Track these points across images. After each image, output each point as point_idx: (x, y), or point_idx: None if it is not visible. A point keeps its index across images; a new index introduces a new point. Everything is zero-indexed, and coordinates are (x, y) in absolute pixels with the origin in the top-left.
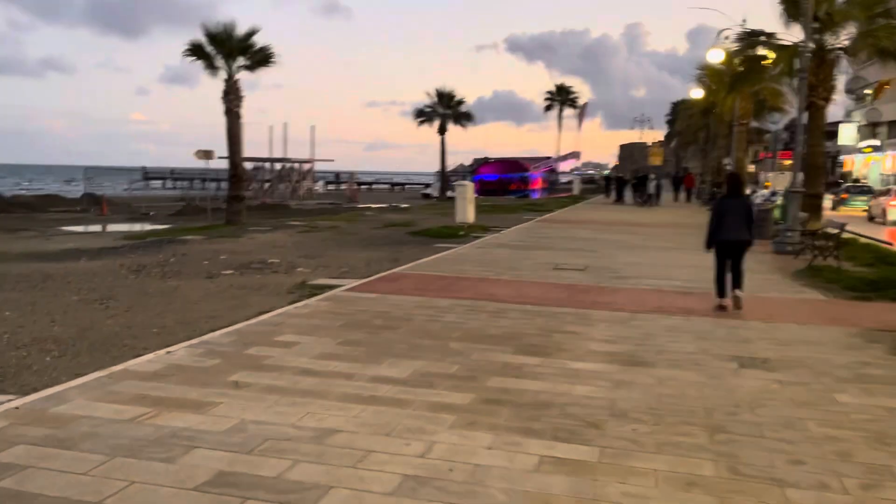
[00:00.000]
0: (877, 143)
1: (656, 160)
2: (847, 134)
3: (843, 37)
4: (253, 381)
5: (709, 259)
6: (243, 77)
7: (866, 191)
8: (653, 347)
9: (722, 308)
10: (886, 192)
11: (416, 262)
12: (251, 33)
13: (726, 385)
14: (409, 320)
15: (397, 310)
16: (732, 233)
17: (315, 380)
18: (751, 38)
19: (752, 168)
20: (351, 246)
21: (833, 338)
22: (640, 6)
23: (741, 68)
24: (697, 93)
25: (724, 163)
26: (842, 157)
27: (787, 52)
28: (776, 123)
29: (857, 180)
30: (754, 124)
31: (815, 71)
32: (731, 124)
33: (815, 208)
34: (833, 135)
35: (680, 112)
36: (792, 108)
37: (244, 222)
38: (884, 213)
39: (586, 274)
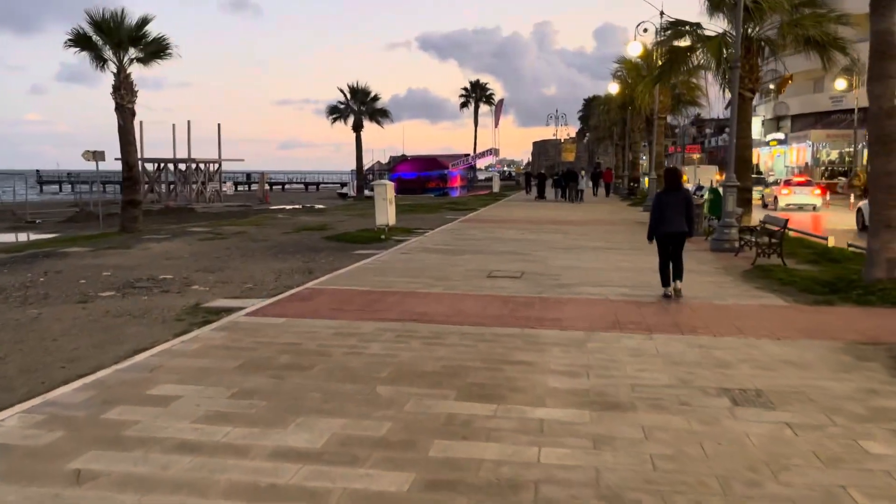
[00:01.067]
0: (781, 136)
1: (569, 156)
2: (754, 128)
3: (768, 27)
4: (104, 469)
5: (646, 261)
6: (144, 73)
7: (761, 181)
8: (622, 380)
9: (667, 297)
10: (777, 183)
11: (334, 274)
12: (144, 22)
13: (729, 434)
14: (325, 355)
15: (310, 340)
16: (673, 225)
17: (195, 460)
18: (677, 28)
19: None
20: (258, 255)
21: (819, 356)
22: (549, 5)
23: (665, 59)
24: (614, 88)
25: (639, 157)
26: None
27: (715, 42)
28: (705, 110)
29: (760, 172)
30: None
31: (742, 62)
32: (649, 118)
33: (744, 202)
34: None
35: (594, 108)
36: (707, 103)
37: (140, 229)
38: (775, 200)
39: (524, 282)
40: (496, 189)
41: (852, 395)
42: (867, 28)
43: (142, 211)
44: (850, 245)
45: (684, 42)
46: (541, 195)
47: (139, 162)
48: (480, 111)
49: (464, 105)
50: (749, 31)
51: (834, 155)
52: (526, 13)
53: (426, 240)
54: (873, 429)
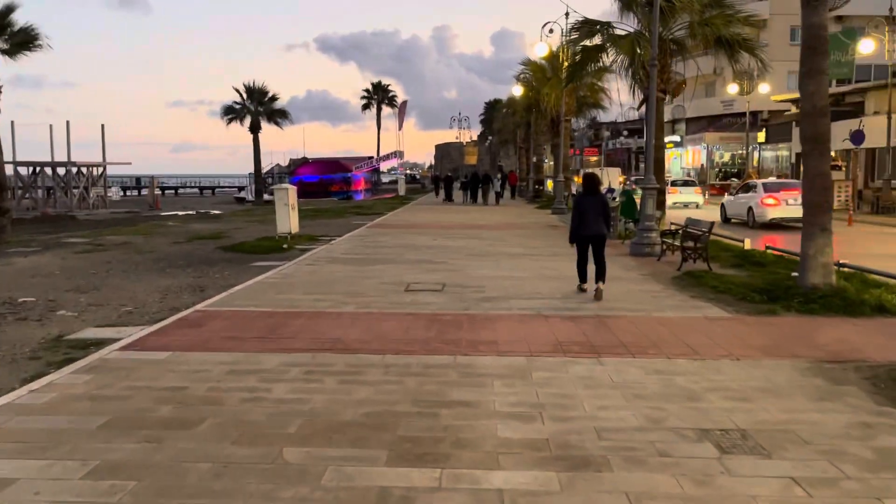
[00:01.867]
0: (677, 138)
1: (472, 159)
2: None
3: (678, 26)
4: None
5: (569, 268)
6: (19, 70)
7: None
8: (584, 423)
9: (583, 290)
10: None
11: (230, 292)
12: (8, 9)
13: (732, 501)
14: (217, 403)
15: (200, 382)
16: (593, 228)
17: None
18: (588, 28)
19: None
20: (142, 270)
21: (790, 380)
22: (447, 10)
23: (577, 58)
24: (518, 90)
25: (543, 160)
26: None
27: (629, 41)
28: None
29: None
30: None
31: (649, 63)
32: (554, 120)
33: (659, 205)
34: (639, 132)
35: (496, 111)
36: (609, 106)
37: (8, 240)
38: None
39: (447, 296)
40: (402, 192)
41: (848, 431)
42: (768, 31)
43: (10, 219)
44: (768, 248)
45: (595, 41)
46: (448, 198)
47: (9, 166)
48: (383, 113)
49: (366, 107)
50: (661, 31)
51: (727, 157)
52: (424, 17)
53: (333, 248)
54: (893, 481)
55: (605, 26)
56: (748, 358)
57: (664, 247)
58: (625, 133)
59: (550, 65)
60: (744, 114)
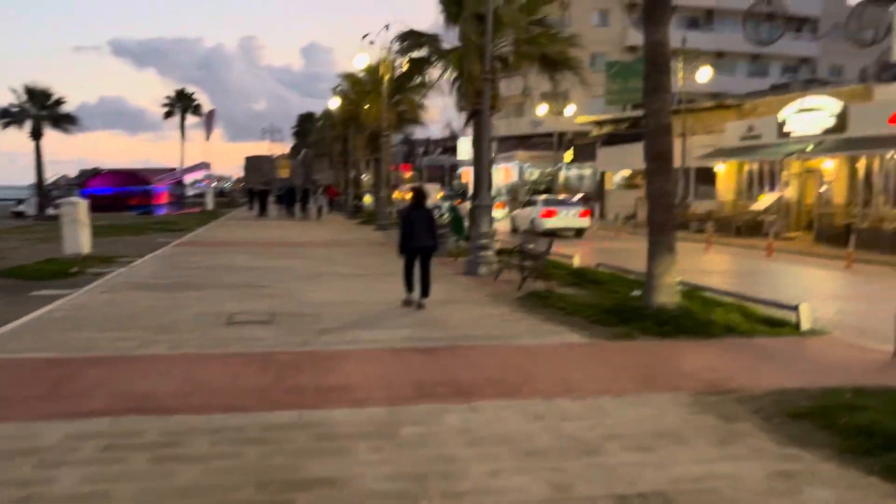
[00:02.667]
0: (491, 156)
1: (285, 172)
2: (464, 148)
3: (504, 42)
4: None
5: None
6: None
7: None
8: (481, 499)
9: (409, 303)
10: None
11: (0, 332)
12: None
13: None
14: None
15: None
16: (421, 240)
17: None
18: (415, 39)
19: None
20: None
21: (682, 420)
22: (253, 20)
23: (402, 71)
24: (335, 103)
25: (362, 175)
26: (460, 170)
27: (457, 55)
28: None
29: (463, 191)
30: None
31: (481, 77)
32: (373, 134)
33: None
34: (453, 149)
35: (311, 124)
36: (431, 121)
37: None
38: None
39: (279, 328)
40: (211, 206)
41: (771, 485)
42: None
43: None
44: (598, 264)
45: (421, 53)
46: (262, 212)
47: None
48: (188, 123)
49: (168, 115)
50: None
51: (536, 175)
52: (229, 26)
53: (134, 272)
54: None
55: (431, 39)
56: (627, 393)
57: (501, 265)
58: (439, 150)
59: (370, 78)
60: (551, 134)
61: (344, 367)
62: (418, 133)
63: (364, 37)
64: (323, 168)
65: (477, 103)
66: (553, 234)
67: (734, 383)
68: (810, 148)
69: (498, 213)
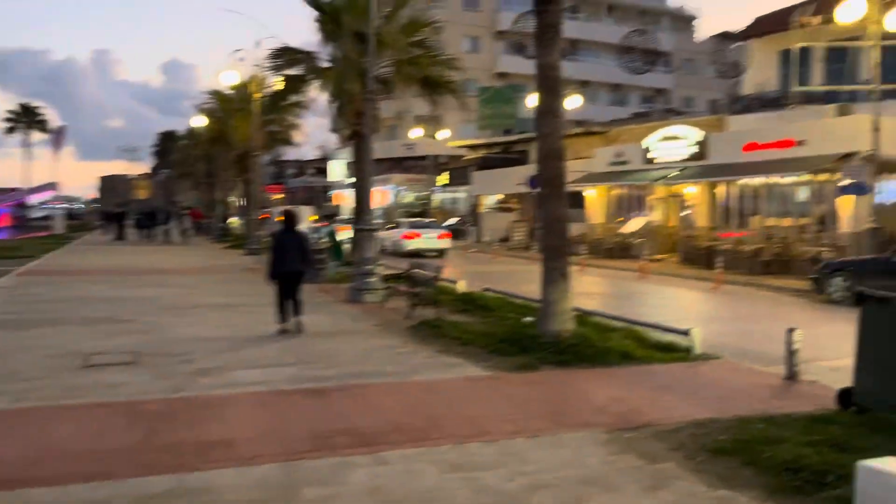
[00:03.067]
0: (372, 178)
1: (143, 193)
2: (336, 170)
3: (384, 63)
4: None
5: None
6: None
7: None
8: None
9: (285, 332)
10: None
11: None
12: None
13: None
14: None
15: None
16: (292, 265)
17: None
18: (291, 56)
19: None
20: None
21: (606, 463)
22: (107, 34)
23: (276, 89)
24: (201, 121)
25: (229, 197)
26: (332, 192)
27: (336, 73)
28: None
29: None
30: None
31: (358, 98)
32: (242, 154)
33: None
34: (324, 171)
35: (174, 143)
36: (301, 141)
37: None
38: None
39: (146, 371)
40: (60, 230)
41: None
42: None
43: None
44: (485, 289)
45: (298, 71)
46: (120, 236)
47: None
48: (33, 140)
49: (11, 130)
50: (366, 66)
51: (411, 197)
52: (80, 39)
53: None
54: None
55: (308, 56)
56: (541, 432)
57: (388, 292)
58: (310, 171)
59: (240, 95)
60: (425, 157)
61: (226, 415)
62: (289, 154)
63: (234, 52)
64: (186, 189)
65: (357, 124)
66: (415, 255)
67: (646, 416)
68: (674, 174)
69: (348, 233)
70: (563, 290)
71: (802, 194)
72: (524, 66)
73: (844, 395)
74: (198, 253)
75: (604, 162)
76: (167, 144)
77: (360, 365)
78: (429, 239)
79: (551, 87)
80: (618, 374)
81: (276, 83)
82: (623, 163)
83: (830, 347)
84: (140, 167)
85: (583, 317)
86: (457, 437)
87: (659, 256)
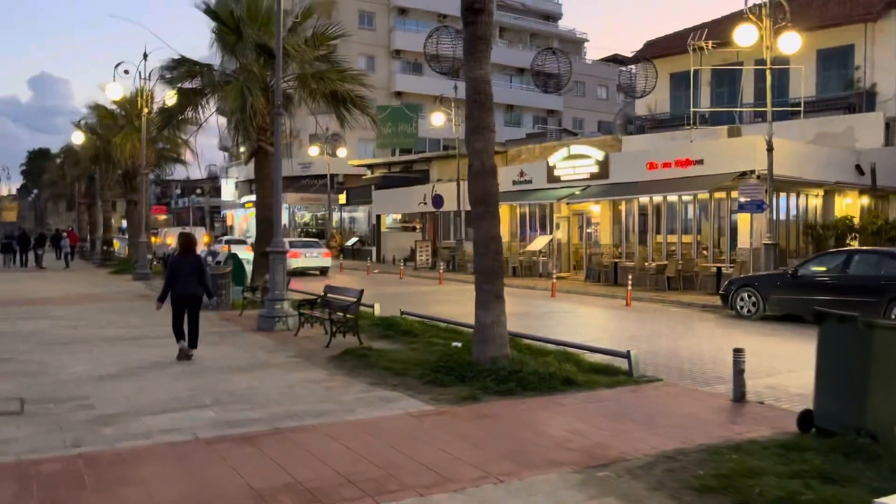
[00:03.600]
0: (254, 198)
1: (10, 215)
2: (228, 189)
3: (289, 76)
4: None
5: (206, 364)
6: None
7: (243, 242)
8: None
9: (183, 352)
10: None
11: None
12: None
13: None
14: None
15: None
16: (187, 288)
17: None
18: (188, 68)
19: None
20: None
21: None
22: None
23: (170, 103)
24: (80, 138)
25: (111, 219)
26: (224, 212)
27: (237, 88)
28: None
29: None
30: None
31: (263, 113)
32: (128, 173)
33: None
34: (214, 190)
35: (46, 161)
36: (193, 160)
37: None
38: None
39: (34, 422)
40: None
41: None
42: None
43: None
44: (403, 312)
45: (194, 84)
46: None
47: None
48: None
49: None
50: (269, 79)
51: (308, 217)
52: None
53: None
54: None
55: (206, 68)
56: (509, 477)
57: (302, 319)
58: (198, 191)
59: (124, 111)
60: (321, 176)
61: (140, 475)
62: (175, 173)
63: (118, 65)
64: (59, 211)
65: (261, 140)
66: (299, 273)
67: (612, 451)
68: (578, 192)
69: (249, 255)
70: (499, 313)
71: (702, 211)
72: (420, 86)
73: (805, 418)
74: (80, 279)
75: (507, 180)
76: (39, 163)
77: (288, 404)
78: (309, 258)
79: (481, 101)
80: (566, 403)
81: (169, 97)
82: (527, 181)
83: (758, 364)
84: (7, 188)
85: (515, 340)
86: (418, 487)
87: (564, 274)
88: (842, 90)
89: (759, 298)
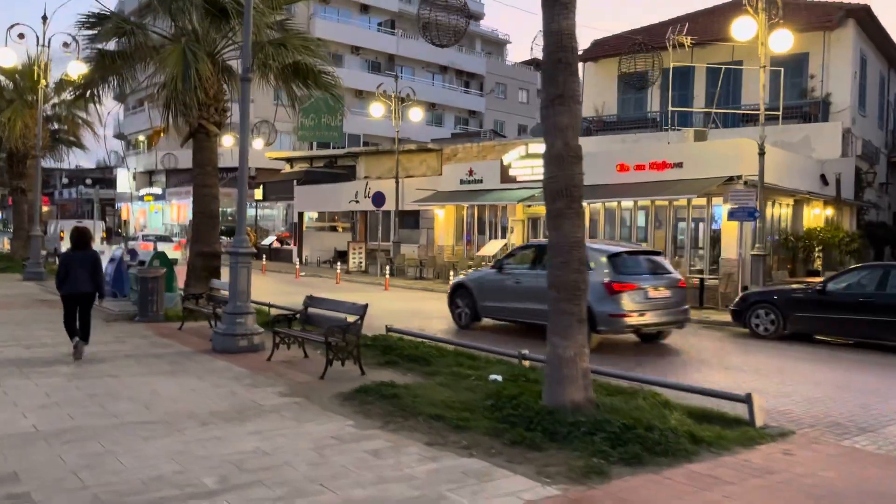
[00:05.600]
0: (158, 191)
1: None
2: (124, 182)
3: (233, 45)
4: None
5: (177, 407)
6: None
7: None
8: None
9: (76, 350)
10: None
11: None
12: None
13: None
14: None
15: None
16: (79, 286)
17: None
18: (114, 26)
19: None
20: None
21: None
22: None
23: (91, 67)
24: None
25: None
26: (119, 205)
27: (177, 52)
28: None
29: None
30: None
31: (205, 88)
32: (14, 155)
33: (213, 272)
34: (105, 181)
35: None
36: (91, 145)
37: None
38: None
39: None
40: None
41: None
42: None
43: None
44: (390, 329)
45: (116, 46)
46: None
47: None
48: None
49: None
50: (217, 44)
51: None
52: None
53: None
54: None
55: (139, 27)
56: None
57: (280, 339)
58: (88, 181)
59: (14, 82)
60: (233, 169)
61: None
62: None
63: (11, 27)
64: None
65: (203, 118)
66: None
67: None
68: (537, 194)
69: (174, 254)
70: (582, 343)
71: (677, 218)
72: (342, 78)
73: None
74: None
75: (454, 180)
76: None
77: (334, 487)
78: (164, 249)
79: (568, 63)
80: (724, 477)
81: (73, 68)
82: (476, 181)
83: (850, 400)
84: None
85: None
86: None
87: None
88: (796, 98)
89: (779, 316)
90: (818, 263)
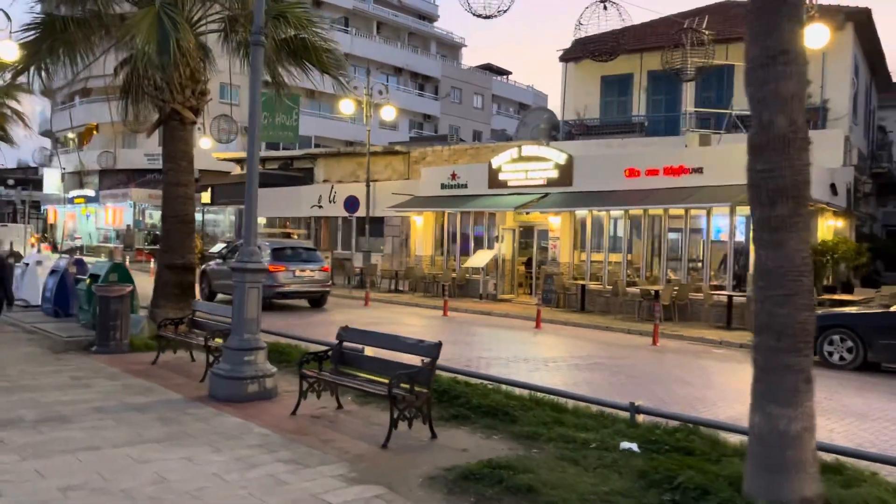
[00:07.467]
0: (91, 192)
1: None
2: (52, 184)
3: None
4: None
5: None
6: None
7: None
8: None
9: None
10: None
11: None
12: None
13: None
14: None
15: None
16: None
17: None
18: None
19: None
20: None
21: None
22: None
23: (33, 35)
24: None
25: None
26: (45, 207)
27: (150, 15)
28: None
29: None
30: None
31: (178, 68)
32: None
33: (187, 289)
34: (30, 182)
35: None
36: (29, 138)
37: None
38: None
39: None
40: None
41: None
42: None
43: None
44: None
45: (74, 13)
46: None
47: None
48: None
49: None
50: (195, 16)
51: (158, 217)
52: None
53: None
54: None
55: None
56: None
57: (311, 383)
58: (10, 181)
59: None
60: (158, 170)
61: None
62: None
63: None
64: None
65: (177, 102)
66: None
67: None
68: (537, 200)
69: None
70: (810, 413)
71: (692, 229)
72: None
73: None
74: None
75: (434, 184)
76: None
77: None
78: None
79: (789, 13)
80: None
81: (9, 46)
82: (460, 185)
83: None
84: None
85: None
86: None
87: (507, 296)
88: None
89: (858, 343)
90: (832, 279)
